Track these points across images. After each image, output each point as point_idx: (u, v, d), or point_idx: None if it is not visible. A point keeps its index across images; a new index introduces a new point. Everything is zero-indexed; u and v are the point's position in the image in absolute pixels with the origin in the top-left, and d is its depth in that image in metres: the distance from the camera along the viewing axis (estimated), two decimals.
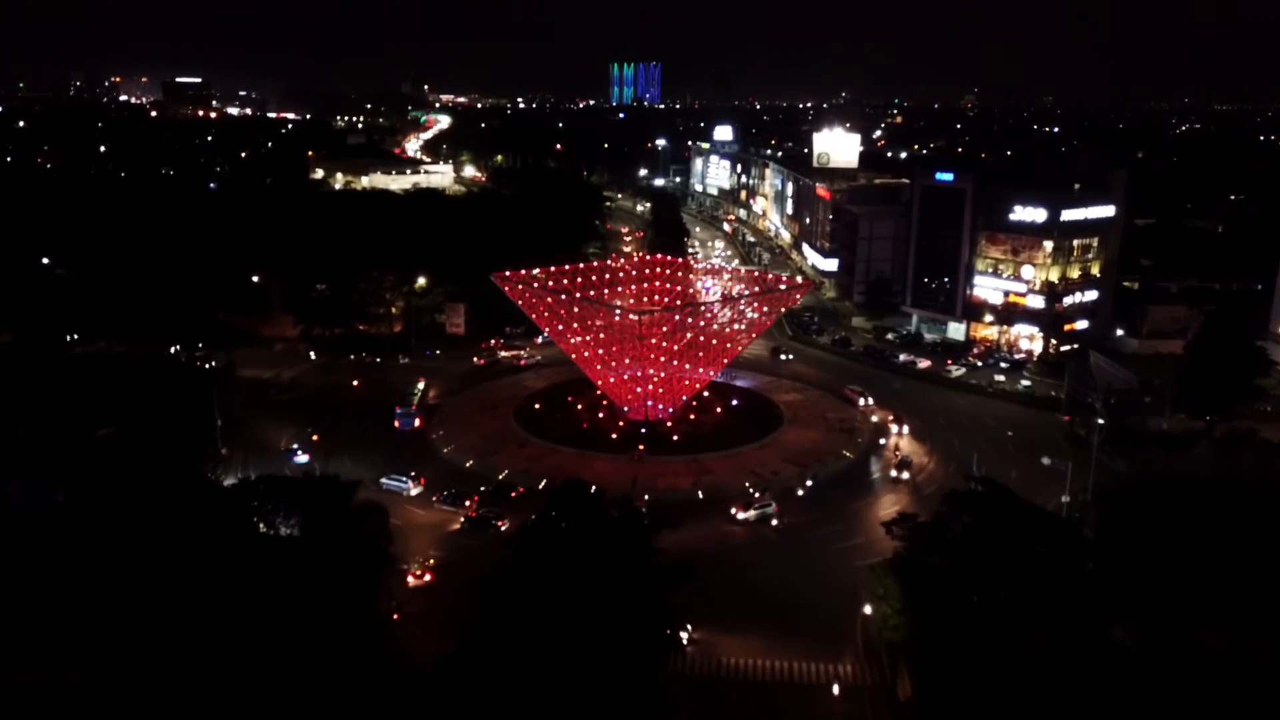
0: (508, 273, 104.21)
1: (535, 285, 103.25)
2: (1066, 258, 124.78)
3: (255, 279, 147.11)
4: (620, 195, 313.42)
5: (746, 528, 79.39)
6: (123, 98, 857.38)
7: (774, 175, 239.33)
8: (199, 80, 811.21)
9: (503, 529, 76.47)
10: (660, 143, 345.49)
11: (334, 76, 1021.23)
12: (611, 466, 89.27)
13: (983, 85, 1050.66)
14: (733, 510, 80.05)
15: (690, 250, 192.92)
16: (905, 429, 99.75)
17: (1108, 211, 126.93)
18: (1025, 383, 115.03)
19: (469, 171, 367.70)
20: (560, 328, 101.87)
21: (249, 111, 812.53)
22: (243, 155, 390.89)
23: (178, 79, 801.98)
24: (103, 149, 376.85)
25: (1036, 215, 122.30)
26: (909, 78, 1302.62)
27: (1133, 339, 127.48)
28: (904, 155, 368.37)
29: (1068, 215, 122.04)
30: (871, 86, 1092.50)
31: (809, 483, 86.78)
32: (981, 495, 56.42)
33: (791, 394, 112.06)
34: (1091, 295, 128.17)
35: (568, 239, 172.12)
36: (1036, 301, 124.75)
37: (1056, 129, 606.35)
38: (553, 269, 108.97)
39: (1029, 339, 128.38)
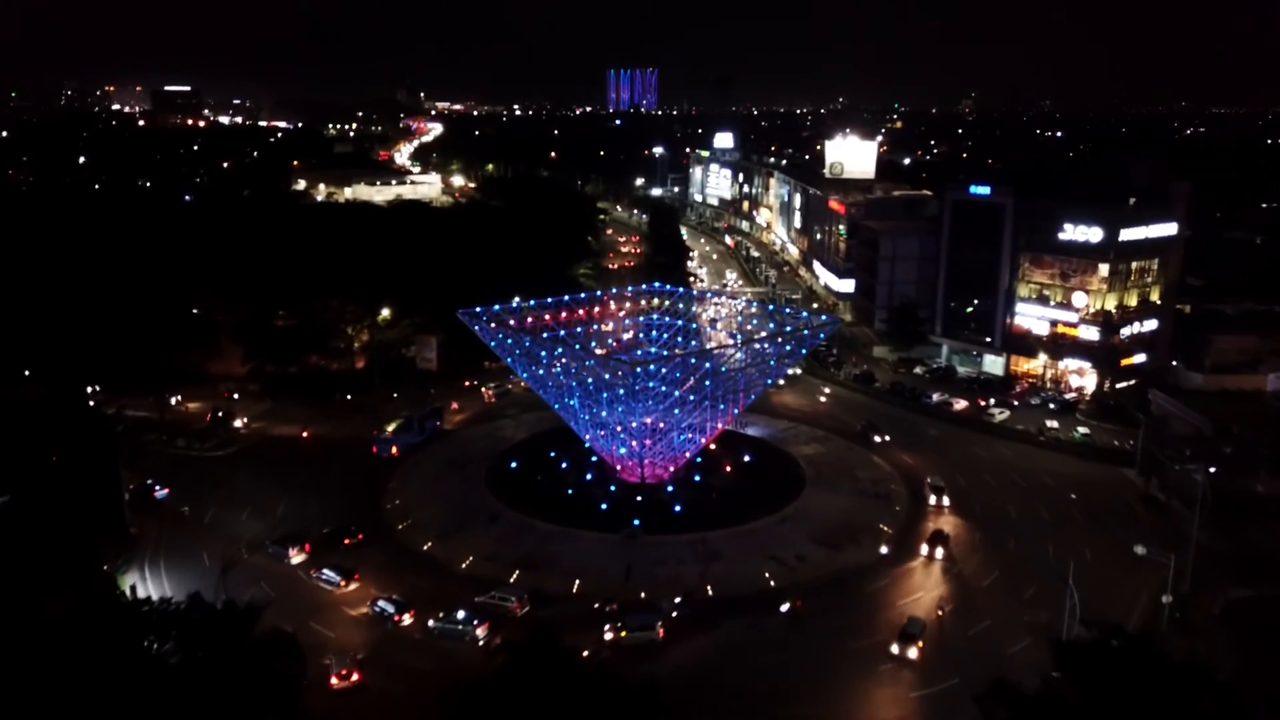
0: (479, 308, 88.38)
1: (511, 323, 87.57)
2: (1124, 283, 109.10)
3: (206, 306, 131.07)
4: (618, 207, 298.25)
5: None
6: (115, 106, 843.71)
7: (779, 185, 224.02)
8: (188, 89, 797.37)
9: (403, 623, 63.08)
10: (658, 150, 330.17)
11: (331, 84, 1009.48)
12: (600, 549, 73.42)
13: (980, 90, 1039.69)
14: (604, 629, 61.33)
15: (691, 271, 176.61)
16: (940, 552, 73.64)
17: (1170, 229, 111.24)
18: (1082, 430, 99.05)
19: (458, 181, 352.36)
20: (540, 373, 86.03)
21: (240, 120, 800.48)
22: (225, 166, 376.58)
23: (166, 88, 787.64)
24: (82, 160, 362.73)
25: (1090, 234, 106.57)
26: (905, 83, 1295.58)
27: (1195, 373, 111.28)
28: (907, 161, 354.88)
29: (1127, 234, 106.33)
30: (869, 91, 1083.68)
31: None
32: (1106, 650, 40.71)
33: (812, 445, 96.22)
34: (1151, 325, 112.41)
35: (557, 258, 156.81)
36: (1090, 333, 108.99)
37: (1059, 133, 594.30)
38: (532, 303, 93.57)
39: (1078, 374, 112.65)
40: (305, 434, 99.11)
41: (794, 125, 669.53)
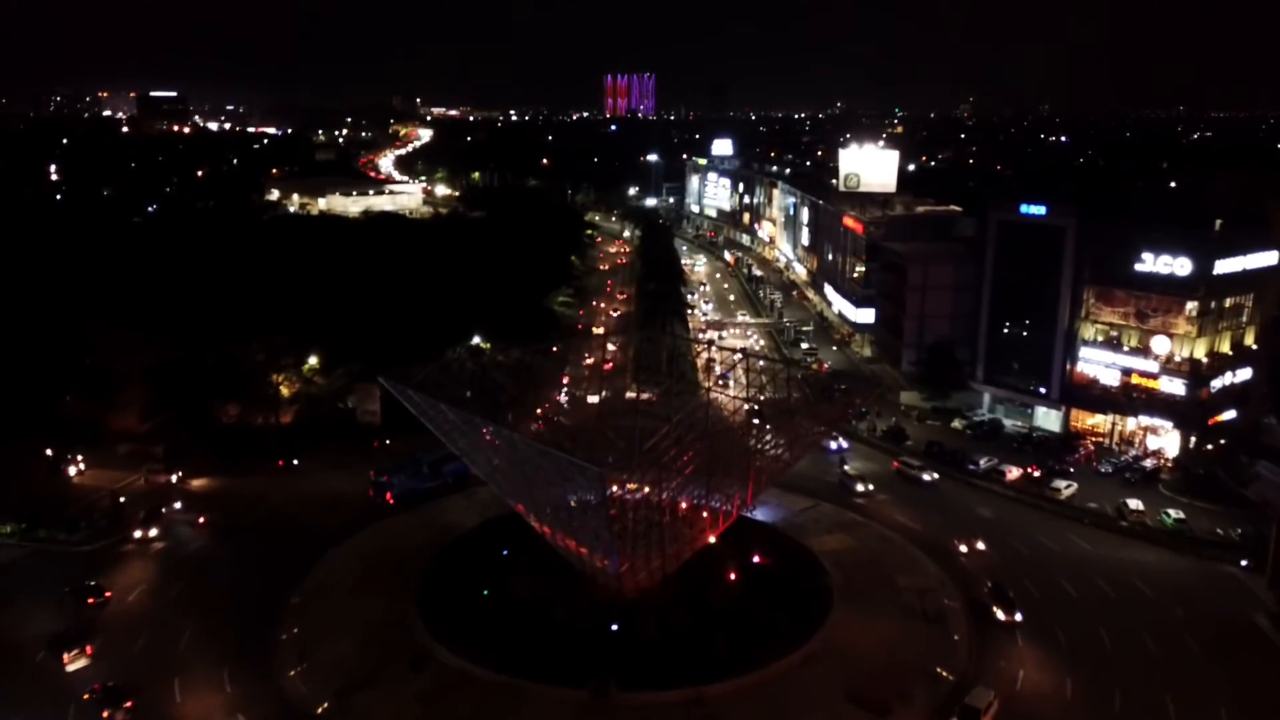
0: (410, 370, 68.40)
1: (450, 389, 67.73)
2: (1215, 324, 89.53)
3: (115, 345, 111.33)
4: (613, 217, 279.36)
5: None
6: (107, 112, 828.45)
7: (783, 196, 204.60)
8: (174, 94, 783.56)
9: None
10: (652, 158, 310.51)
11: (330, 89, 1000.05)
12: (558, 716, 53.60)
13: (977, 93, 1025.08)
14: None
15: (692, 303, 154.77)
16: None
17: (1270, 259, 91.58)
18: (1174, 513, 79.03)
19: (442, 190, 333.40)
20: (489, 457, 66.09)
21: (228, 126, 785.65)
22: (199, 174, 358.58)
23: (152, 93, 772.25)
24: (53, 168, 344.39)
25: (1177, 266, 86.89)
26: (904, 87, 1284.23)
27: None
28: (911, 167, 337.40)
29: (1223, 266, 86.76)
30: (867, 96, 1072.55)
31: None
32: None
33: (837, 535, 76.39)
34: (1244, 374, 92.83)
35: (534, 283, 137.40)
36: (1173, 385, 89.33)
37: (1064, 138, 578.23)
38: (485, 359, 74.14)
39: (1152, 433, 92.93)
40: (202, 520, 79.13)
41: (793, 130, 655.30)
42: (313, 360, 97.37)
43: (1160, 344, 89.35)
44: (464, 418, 61.08)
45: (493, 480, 66.80)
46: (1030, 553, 74.54)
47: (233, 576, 69.36)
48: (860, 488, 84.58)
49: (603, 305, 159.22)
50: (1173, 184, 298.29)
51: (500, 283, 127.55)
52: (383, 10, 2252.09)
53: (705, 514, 65.05)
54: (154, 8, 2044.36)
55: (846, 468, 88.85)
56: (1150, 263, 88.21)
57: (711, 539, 68.38)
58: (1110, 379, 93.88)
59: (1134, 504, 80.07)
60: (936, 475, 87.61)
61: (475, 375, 78.10)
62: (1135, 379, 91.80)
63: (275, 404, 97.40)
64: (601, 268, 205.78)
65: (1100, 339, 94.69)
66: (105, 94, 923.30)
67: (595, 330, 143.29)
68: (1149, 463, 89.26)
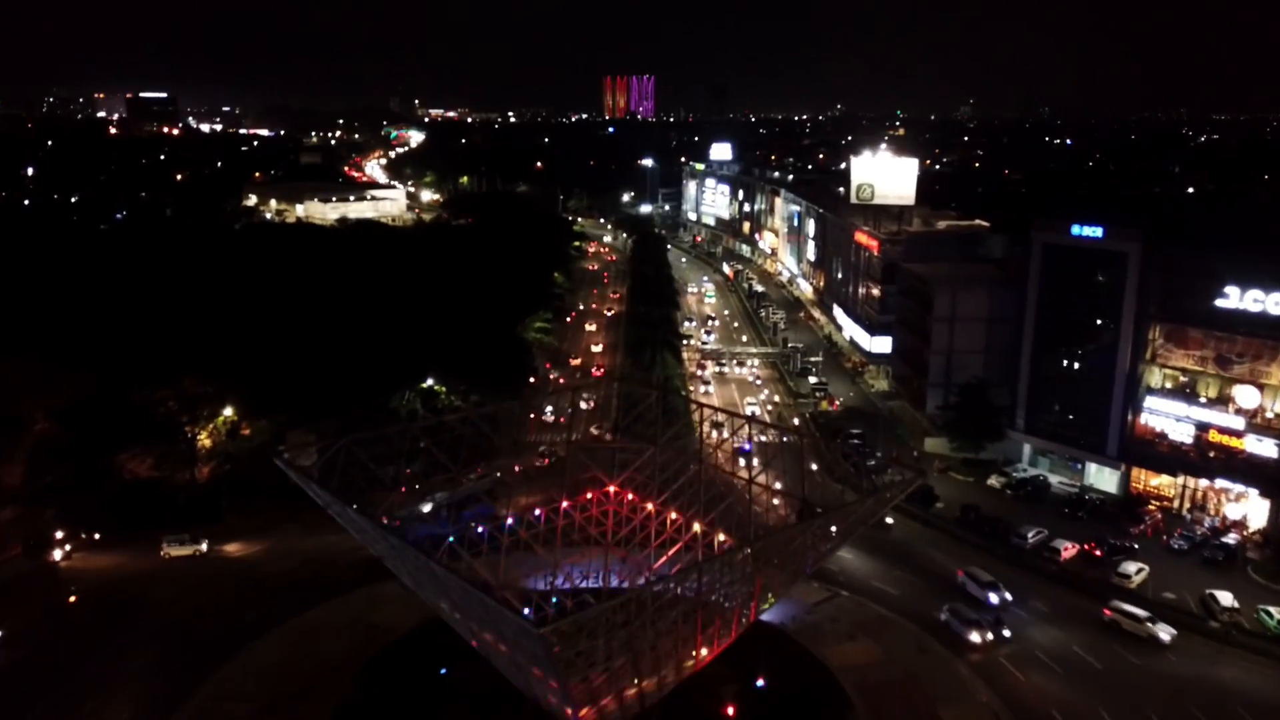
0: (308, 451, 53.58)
1: (373, 467, 52.78)
2: None
3: (24, 381, 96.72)
4: (606, 225, 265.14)
5: None
6: (101, 114, 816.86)
7: (787, 205, 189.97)
8: (164, 95, 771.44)
9: None
10: (647, 162, 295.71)
11: (329, 91, 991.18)
12: None
13: (976, 96, 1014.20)
14: None
15: (688, 332, 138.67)
16: None
17: None
18: (1276, 612, 64.07)
19: (428, 195, 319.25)
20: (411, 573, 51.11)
21: (220, 128, 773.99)
22: (178, 178, 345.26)
23: (142, 94, 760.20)
24: (31, 172, 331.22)
25: (1270, 303, 71.86)
26: (902, 89, 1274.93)
27: None
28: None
29: None
30: (867, 98, 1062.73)
31: None
32: None
33: (860, 643, 61.28)
34: None
35: (509, 308, 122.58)
36: (1262, 445, 74.33)
37: (1069, 141, 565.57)
38: (413, 430, 59.30)
39: (1228, 497, 77.99)
40: (73, 598, 64.63)
41: (793, 133, 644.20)
42: (228, 411, 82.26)
43: (1247, 396, 74.39)
44: (374, 528, 46.01)
45: (423, 589, 51.80)
46: (1105, 666, 59.51)
47: (95, 704, 54.30)
48: (975, 637, 61.50)
49: (593, 307, 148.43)
50: (1190, 189, 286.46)
51: (470, 307, 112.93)
52: (383, 11, 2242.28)
53: (698, 630, 50.05)
54: (154, 7, 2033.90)
55: (948, 610, 64.09)
56: (1236, 298, 73.29)
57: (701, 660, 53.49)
58: (1181, 434, 78.92)
59: (1225, 599, 65.02)
60: (1174, 632, 61.88)
61: (424, 433, 62.99)
62: (1214, 436, 76.82)
63: (191, 459, 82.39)
64: (590, 267, 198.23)
65: (1169, 386, 79.86)
66: (101, 96, 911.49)
67: (586, 326, 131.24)
68: (1232, 538, 74.28)
